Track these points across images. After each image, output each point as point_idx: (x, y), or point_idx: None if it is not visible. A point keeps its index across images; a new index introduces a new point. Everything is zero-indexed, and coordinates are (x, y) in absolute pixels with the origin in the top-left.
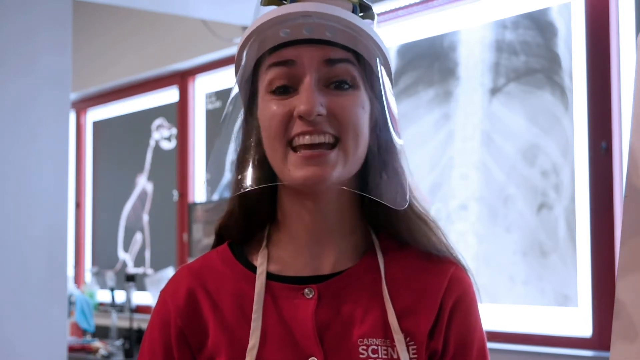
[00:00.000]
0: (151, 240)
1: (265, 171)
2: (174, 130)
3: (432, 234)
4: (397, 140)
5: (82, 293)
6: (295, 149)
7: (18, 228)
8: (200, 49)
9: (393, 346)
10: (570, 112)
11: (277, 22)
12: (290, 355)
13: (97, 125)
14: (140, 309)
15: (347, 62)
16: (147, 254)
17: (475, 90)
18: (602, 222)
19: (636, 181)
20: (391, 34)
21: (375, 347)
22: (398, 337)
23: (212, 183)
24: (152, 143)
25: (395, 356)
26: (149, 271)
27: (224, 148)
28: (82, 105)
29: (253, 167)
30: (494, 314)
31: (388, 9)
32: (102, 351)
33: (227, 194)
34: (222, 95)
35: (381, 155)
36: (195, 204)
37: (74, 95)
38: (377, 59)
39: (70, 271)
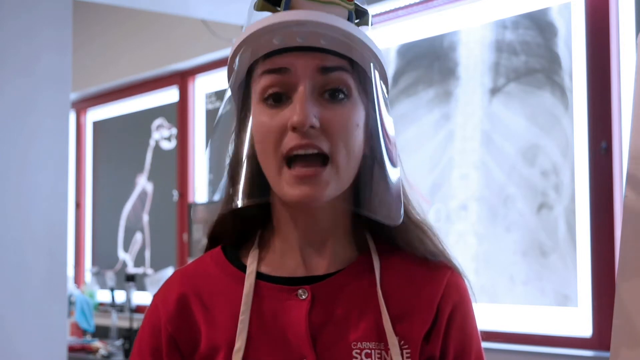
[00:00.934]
0: (151, 240)
1: (259, 179)
2: (174, 130)
3: (428, 239)
4: (392, 151)
5: (82, 293)
6: (289, 163)
7: (18, 228)
8: (200, 49)
9: (387, 350)
10: (570, 112)
11: (271, 30)
12: (282, 357)
13: (97, 125)
14: (140, 309)
15: (341, 70)
16: (147, 254)
17: (475, 90)
18: (602, 222)
19: (636, 181)
20: (391, 34)
21: (369, 351)
22: (392, 341)
23: (213, 184)
24: (152, 143)
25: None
26: (149, 271)
27: (218, 153)
28: (82, 105)
29: (246, 178)
30: (494, 314)
31: (388, 9)
32: (102, 351)
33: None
34: (222, 95)
35: (375, 166)
36: (195, 204)
37: (74, 95)
38: (372, 67)
39: (70, 271)
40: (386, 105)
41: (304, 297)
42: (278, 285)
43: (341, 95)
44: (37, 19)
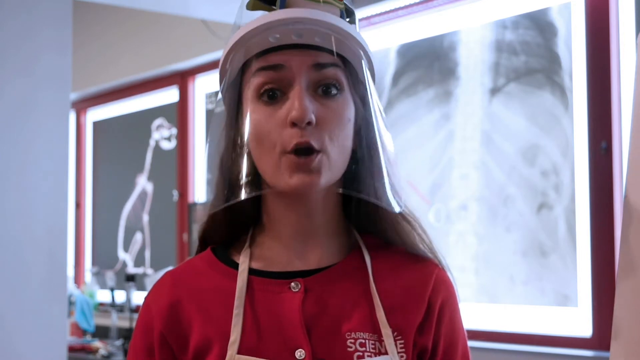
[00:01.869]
0: (151, 240)
1: (251, 177)
2: (174, 130)
3: (416, 234)
4: (385, 141)
5: (82, 293)
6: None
7: (18, 228)
8: (200, 49)
9: (381, 341)
10: (570, 112)
11: (269, 28)
12: (277, 348)
13: (97, 125)
14: (140, 309)
15: (335, 67)
16: (147, 254)
17: (475, 90)
18: (602, 222)
19: (636, 181)
20: (391, 34)
21: (363, 341)
22: (386, 331)
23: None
24: (152, 143)
25: (383, 350)
26: (149, 271)
27: (215, 151)
28: (82, 105)
29: (238, 176)
30: (494, 314)
31: (388, 9)
32: (102, 351)
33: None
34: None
35: (367, 157)
36: (195, 204)
37: (74, 95)
38: (365, 64)
39: (70, 271)
40: (377, 100)
41: (296, 289)
42: (271, 280)
43: (334, 91)
44: (37, 19)
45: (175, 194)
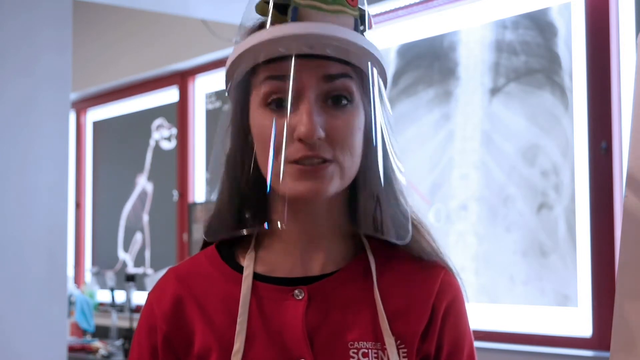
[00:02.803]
0: (151, 240)
1: (257, 184)
2: (174, 130)
3: (422, 237)
4: (393, 152)
5: (82, 293)
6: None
7: (18, 228)
8: (200, 49)
9: (384, 349)
10: (570, 112)
11: (277, 41)
12: (279, 357)
13: (97, 125)
14: (140, 309)
15: (345, 77)
16: (147, 254)
17: (475, 90)
18: (602, 222)
19: (636, 181)
20: (391, 34)
21: (366, 351)
22: (389, 340)
23: (213, 184)
24: (152, 143)
25: (385, 359)
26: (149, 271)
27: (218, 157)
28: (82, 105)
29: (245, 181)
30: (494, 314)
31: (388, 9)
32: (102, 351)
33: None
34: (222, 95)
35: (373, 169)
36: (195, 204)
37: (74, 95)
38: (377, 73)
39: (70, 271)
40: (387, 109)
41: (300, 297)
42: (275, 286)
43: (344, 101)
44: (37, 19)
45: (175, 194)
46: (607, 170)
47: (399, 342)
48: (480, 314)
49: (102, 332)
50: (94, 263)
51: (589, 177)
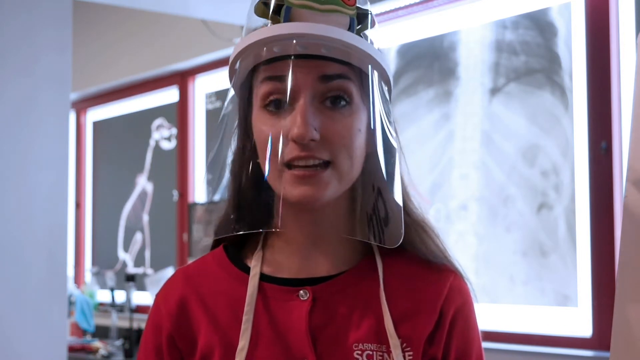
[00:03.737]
0: (151, 240)
1: (261, 184)
2: (174, 130)
3: (430, 240)
4: (394, 154)
5: (82, 293)
6: (289, 167)
7: (18, 228)
8: (200, 49)
9: (389, 352)
10: (570, 112)
11: (270, 42)
12: (283, 357)
13: (97, 125)
14: (140, 309)
15: (342, 78)
16: (147, 254)
17: (475, 90)
18: (602, 222)
19: (636, 181)
20: (391, 34)
21: (371, 353)
22: (394, 342)
23: (213, 184)
24: (152, 143)
25: None
26: (149, 271)
27: (221, 156)
28: (82, 105)
29: (249, 183)
30: (494, 314)
31: (388, 9)
32: (102, 351)
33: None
34: (222, 95)
35: (377, 169)
36: (195, 204)
37: (74, 95)
38: (371, 73)
39: (70, 271)
40: (388, 109)
41: (305, 297)
42: (280, 286)
43: (342, 102)
44: (37, 19)
45: (175, 194)
46: (607, 170)
47: (404, 344)
48: (481, 314)
49: (102, 332)
50: (94, 263)
51: (589, 177)
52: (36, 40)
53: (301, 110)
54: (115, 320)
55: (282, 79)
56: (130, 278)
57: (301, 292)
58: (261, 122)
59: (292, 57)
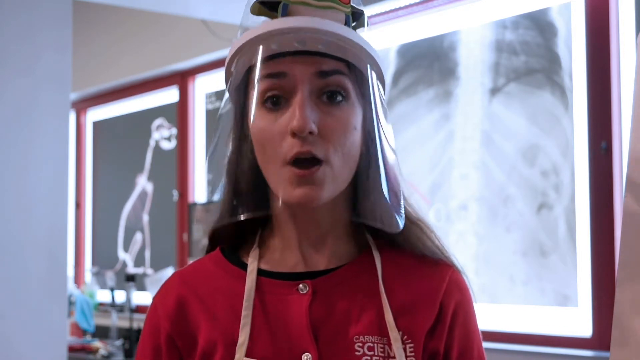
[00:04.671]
0: (151, 240)
1: (259, 181)
2: (174, 130)
3: (426, 237)
4: (389, 153)
5: (82, 293)
6: (289, 164)
7: (18, 228)
8: (200, 49)
9: (389, 344)
10: (570, 112)
11: (268, 37)
12: (284, 351)
13: (97, 125)
14: (140, 309)
15: (339, 74)
16: (147, 254)
17: (475, 90)
18: (602, 222)
19: (636, 181)
20: (391, 34)
21: (372, 345)
22: (394, 335)
23: (213, 185)
24: (152, 143)
25: (391, 354)
26: (149, 271)
27: (219, 155)
28: (82, 105)
29: (245, 184)
30: (494, 314)
31: (388, 9)
32: (102, 351)
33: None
34: (222, 95)
35: (373, 167)
36: (195, 204)
37: (74, 95)
38: (369, 69)
39: (70, 271)
40: (383, 106)
41: (304, 291)
42: (279, 281)
43: (339, 98)
44: (37, 19)
45: (175, 194)
46: (607, 170)
47: (405, 337)
48: (481, 313)
49: (102, 332)
50: (94, 263)
51: (589, 177)
52: (36, 40)
53: (299, 103)
54: (115, 320)
55: (279, 75)
56: (130, 278)
57: (300, 285)
58: (259, 119)
59: (290, 54)
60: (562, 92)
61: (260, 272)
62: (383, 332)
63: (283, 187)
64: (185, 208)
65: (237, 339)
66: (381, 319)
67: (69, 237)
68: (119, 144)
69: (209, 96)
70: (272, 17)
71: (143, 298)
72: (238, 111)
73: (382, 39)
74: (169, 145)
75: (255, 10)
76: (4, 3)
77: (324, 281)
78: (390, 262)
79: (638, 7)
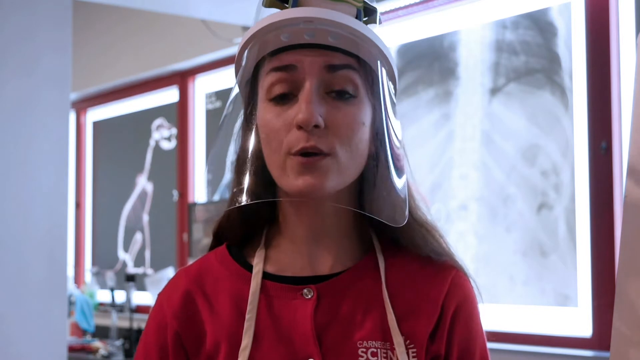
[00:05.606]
0: (151, 240)
1: (265, 176)
2: (174, 130)
3: (432, 238)
4: (397, 150)
5: (82, 293)
6: (294, 155)
7: (18, 228)
8: (200, 49)
9: (392, 349)
10: (570, 112)
11: (278, 27)
12: (287, 356)
13: (97, 125)
14: (140, 309)
15: (349, 69)
16: (147, 254)
17: (475, 90)
18: (602, 222)
19: (636, 181)
20: (391, 34)
21: (375, 350)
22: (397, 340)
23: (213, 183)
24: (152, 143)
25: (395, 359)
26: (149, 271)
27: (223, 149)
28: (82, 105)
29: (253, 175)
30: (494, 314)
31: (388, 9)
32: (102, 351)
33: (227, 195)
34: (222, 95)
35: (380, 164)
36: (195, 204)
37: (74, 95)
38: (380, 65)
39: (70, 271)
40: (393, 104)
41: (309, 296)
42: (284, 285)
43: (347, 95)
44: (37, 19)
45: (175, 194)
46: (607, 170)
47: (408, 341)
48: (482, 319)
49: (102, 332)
50: (94, 263)
51: (589, 177)
52: (36, 40)
53: (306, 96)
54: (115, 320)
55: (287, 68)
56: (130, 278)
57: (305, 290)
58: (266, 113)
59: (299, 47)
60: (562, 92)
61: (266, 275)
62: (386, 337)
63: (286, 176)
64: (185, 208)
65: (241, 341)
66: (384, 323)
67: (69, 237)
68: (119, 144)
69: (209, 96)
70: (283, 9)
71: (143, 298)
72: (247, 105)
73: (387, 38)
74: (169, 145)
75: (267, 3)
76: (4, 3)
77: (328, 286)
78: (394, 265)
79: (638, 7)
